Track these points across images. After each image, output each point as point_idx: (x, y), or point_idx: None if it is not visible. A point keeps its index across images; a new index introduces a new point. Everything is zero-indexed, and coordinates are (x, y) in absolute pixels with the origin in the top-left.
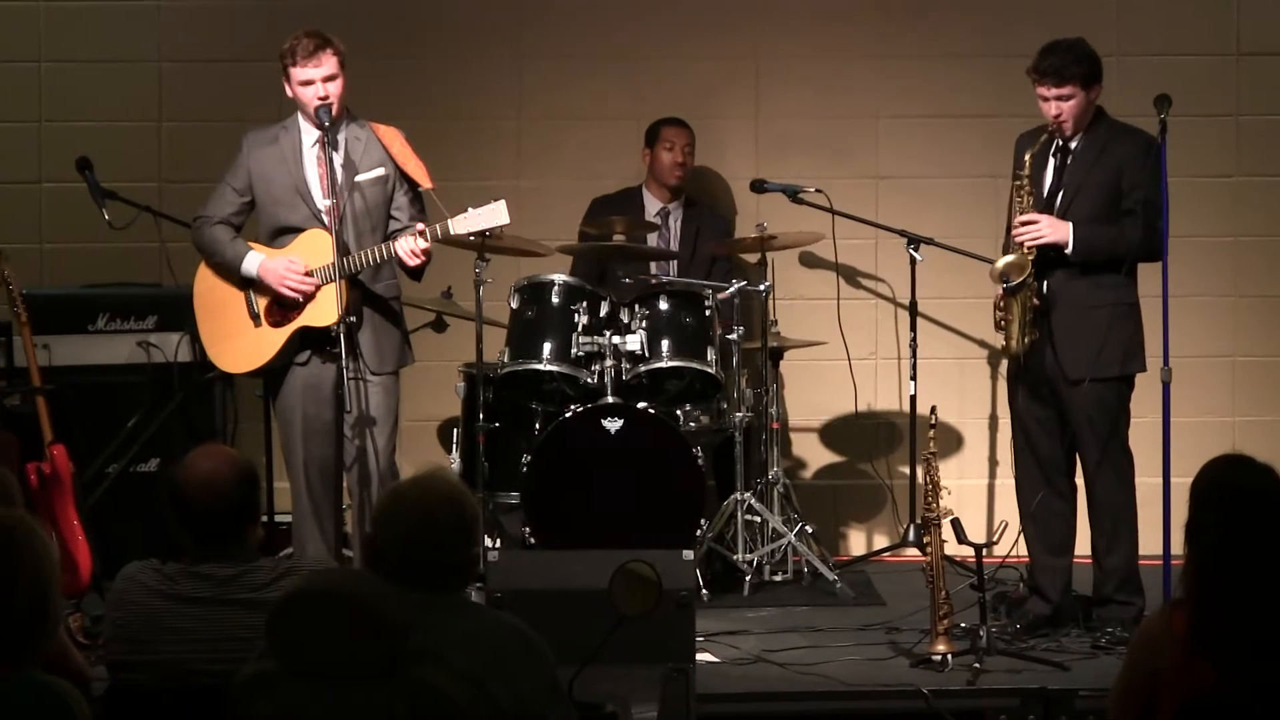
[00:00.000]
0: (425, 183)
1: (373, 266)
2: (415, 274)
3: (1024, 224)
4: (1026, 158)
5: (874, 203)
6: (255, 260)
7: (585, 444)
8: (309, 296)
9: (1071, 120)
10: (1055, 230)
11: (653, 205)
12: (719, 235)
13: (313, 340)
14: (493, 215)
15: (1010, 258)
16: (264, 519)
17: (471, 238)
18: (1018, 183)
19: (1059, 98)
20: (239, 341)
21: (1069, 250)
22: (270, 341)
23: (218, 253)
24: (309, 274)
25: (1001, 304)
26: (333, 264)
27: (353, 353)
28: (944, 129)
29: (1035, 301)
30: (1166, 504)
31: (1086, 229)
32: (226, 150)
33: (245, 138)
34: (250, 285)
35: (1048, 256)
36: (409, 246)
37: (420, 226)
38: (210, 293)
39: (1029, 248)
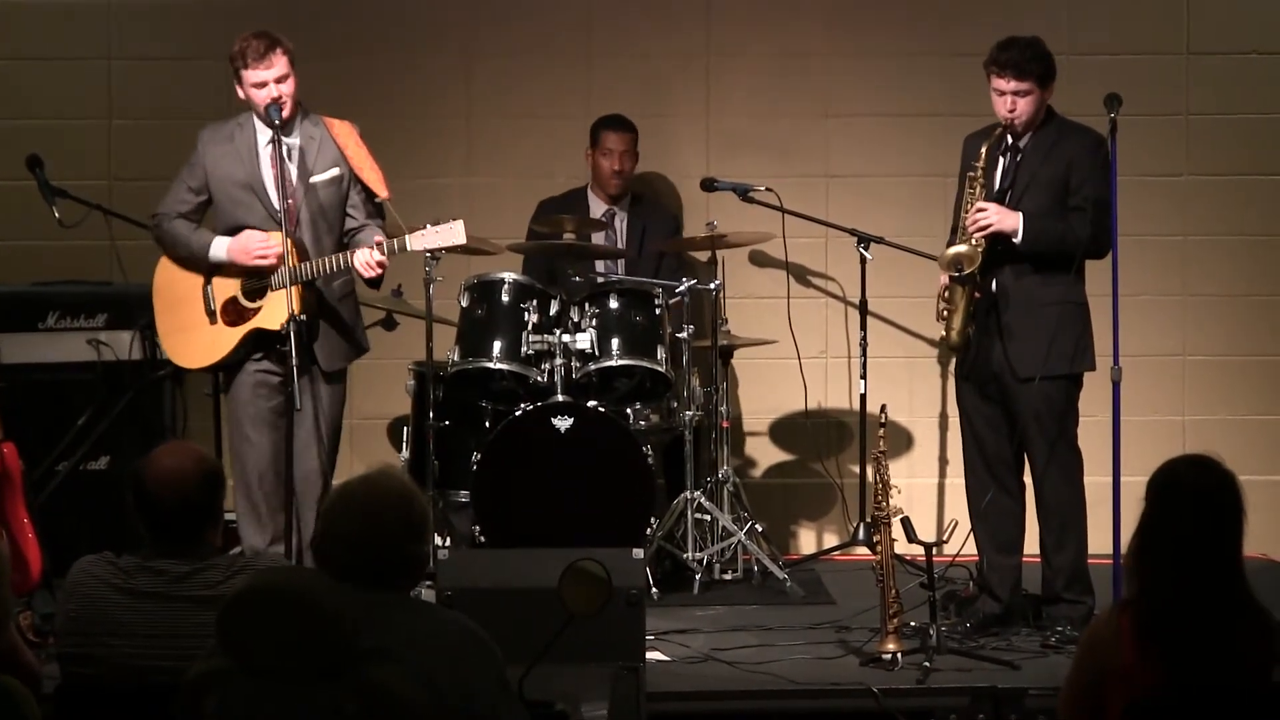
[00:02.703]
0: (382, 192)
1: (326, 276)
2: (373, 284)
3: (975, 212)
4: (982, 150)
5: (824, 201)
6: (222, 244)
7: (535, 442)
8: (272, 271)
9: (1025, 117)
10: (1004, 219)
11: (598, 206)
12: (666, 233)
13: (265, 342)
14: (450, 235)
15: (961, 247)
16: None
17: (428, 254)
18: (971, 174)
19: (1016, 92)
20: (193, 336)
21: (1018, 239)
22: (224, 340)
23: (181, 244)
24: (271, 270)
25: (946, 293)
26: (289, 268)
27: (303, 353)
28: (894, 128)
29: (977, 294)
30: (1116, 503)
31: (1036, 220)
32: (178, 148)
33: (201, 135)
34: (211, 277)
35: (996, 249)
36: (365, 259)
37: (378, 239)
38: (169, 286)
39: (979, 237)
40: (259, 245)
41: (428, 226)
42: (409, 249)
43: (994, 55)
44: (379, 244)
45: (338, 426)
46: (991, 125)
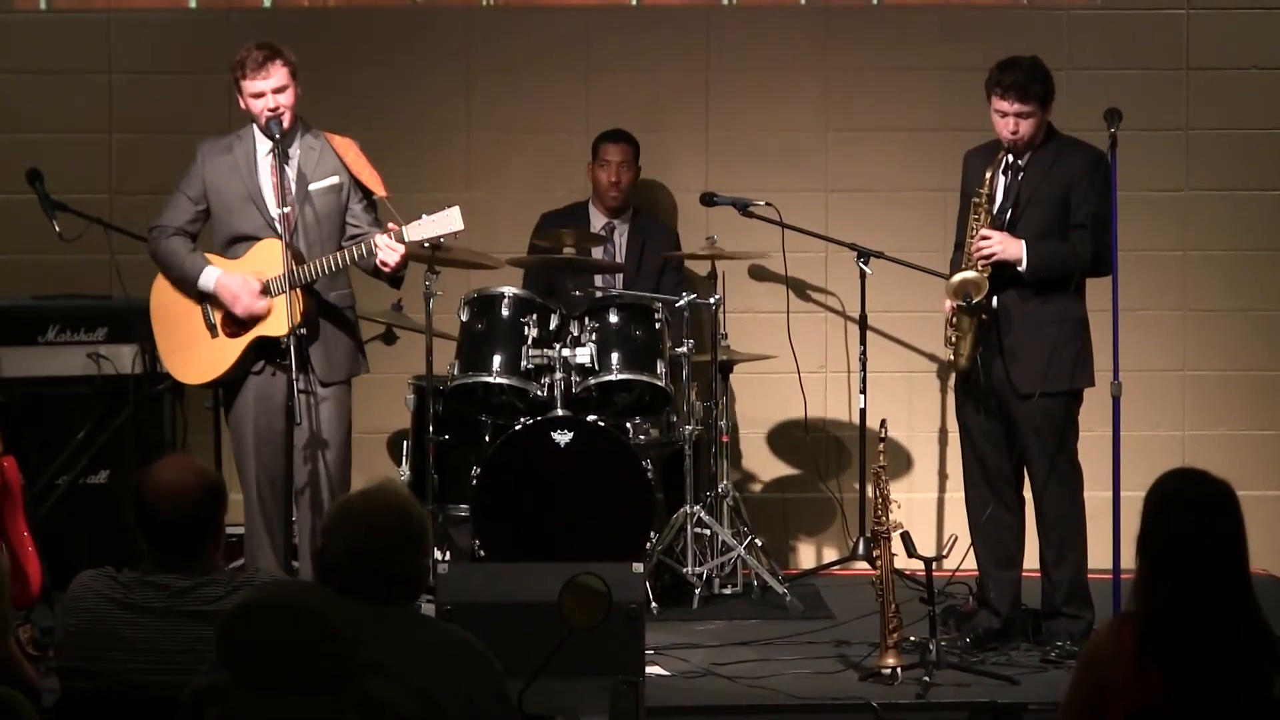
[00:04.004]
0: (379, 190)
1: (328, 275)
2: (395, 280)
3: (980, 240)
4: (986, 175)
5: (823, 216)
6: (212, 275)
7: (535, 457)
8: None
9: (1026, 137)
10: (1009, 247)
11: (598, 219)
12: (665, 247)
13: (268, 350)
14: (447, 221)
15: (967, 274)
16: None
17: (426, 244)
18: (975, 199)
19: (1019, 114)
20: (196, 352)
21: (1022, 267)
22: (227, 352)
23: (175, 265)
24: (265, 290)
25: (954, 320)
26: (286, 273)
27: (303, 365)
28: (893, 142)
29: (984, 317)
30: (1116, 518)
31: (1039, 246)
32: (177, 162)
33: (200, 147)
34: (207, 296)
35: (1002, 274)
36: (385, 241)
37: (392, 226)
38: (167, 305)
39: (984, 264)
40: (249, 303)
41: (423, 217)
42: (406, 240)
43: (996, 76)
44: (391, 230)
45: (343, 438)
46: (992, 142)
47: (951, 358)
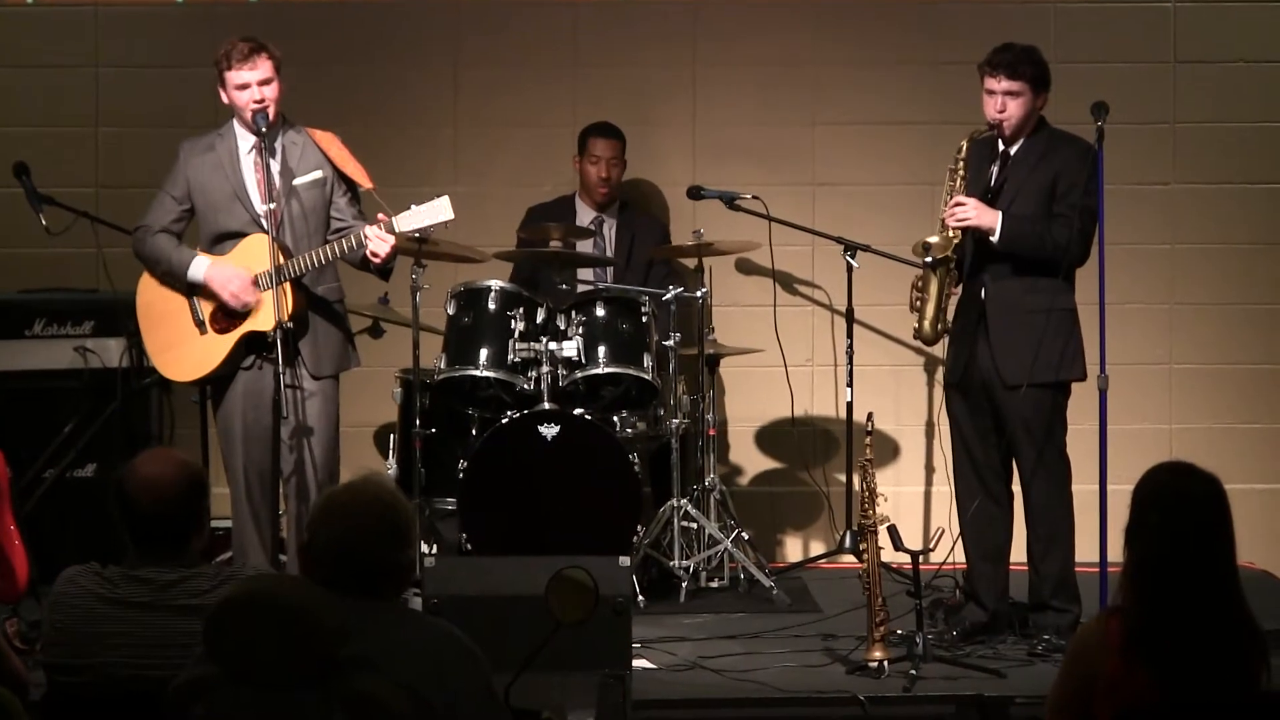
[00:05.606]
0: (365, 183)
1: (316, 269)
2: (383, 272)
3: (954, 205)
4: (964, 143)
5: (810, 209)
6: (202, 265)
7: (522, 450)
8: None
9: (1014, 119)
10: (982, 214)
11: (586, 213)
12: (654, 241)
13: (257, 345)
14: (437, 211)
15: (935, 237)
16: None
17: (416, 234)
18: (952, 167)
19: (1007, 92)
20: (185, 349)
21: (995, 237)
22: (216, 348)
23: (162, 260)
24: (255, 284)
25: (920, 283)
26: (274, 268)
27: (290, 360)
28: (880, 136)
29: (953, 290)
30: (1103, 511)
31: (1015, 221)
32: (164, 156)
33: (182, 146)
34: (195, 292)
35: (983, 255)
36: (375, 232)
37: (382, 216)
38: (154, 303)
39: (955, 230)
40: (240, 289)
41: (412, 207)
42: (397, 230)
43: (988, 57)
44: (381, 221)
45: (331, 432)
46: (991, 136)
47: (915, 324)
